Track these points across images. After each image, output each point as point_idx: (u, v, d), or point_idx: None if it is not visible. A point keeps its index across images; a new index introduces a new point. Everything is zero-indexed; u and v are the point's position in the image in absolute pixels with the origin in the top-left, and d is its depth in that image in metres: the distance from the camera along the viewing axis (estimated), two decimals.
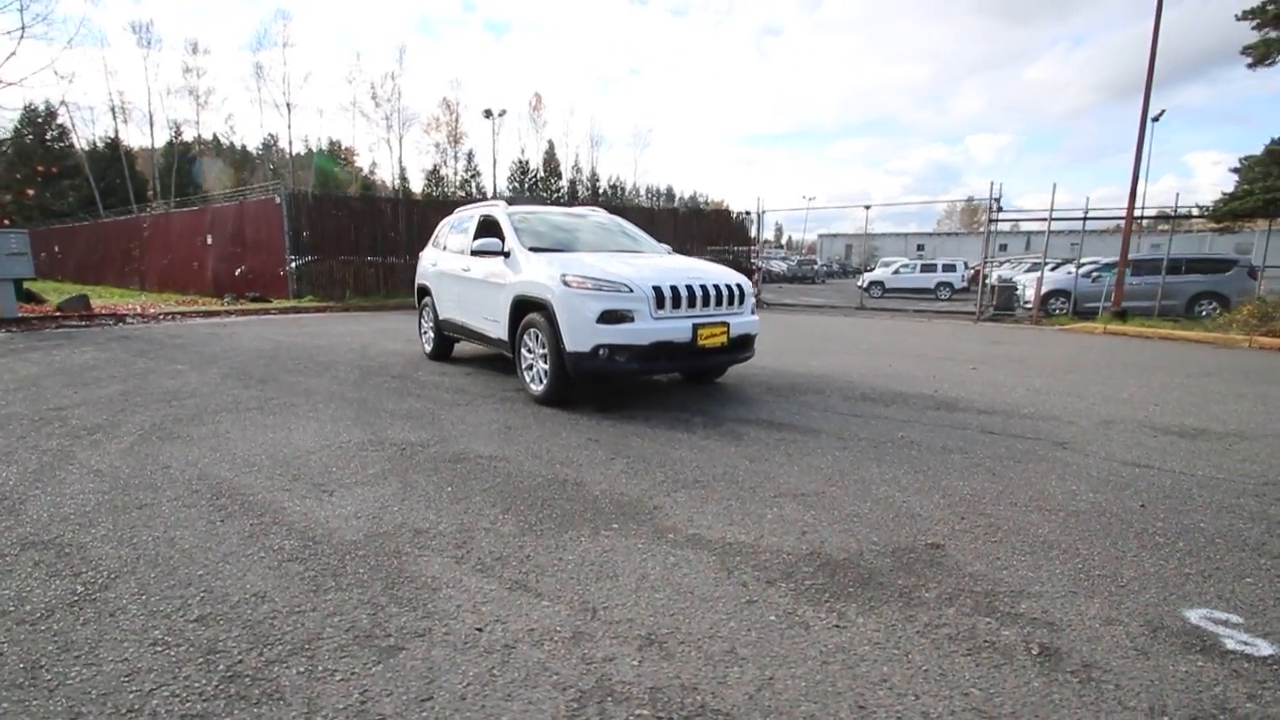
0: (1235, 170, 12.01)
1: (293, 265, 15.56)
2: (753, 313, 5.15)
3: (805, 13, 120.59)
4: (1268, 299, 10.91)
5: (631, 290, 4.46)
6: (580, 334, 4.48)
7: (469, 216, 6.59)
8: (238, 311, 13.41)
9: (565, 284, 4.58)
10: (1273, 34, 10.72)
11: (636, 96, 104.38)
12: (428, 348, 7.27)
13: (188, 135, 50.33)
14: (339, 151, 58.40)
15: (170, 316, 12.14)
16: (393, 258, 16.75)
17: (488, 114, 32.95)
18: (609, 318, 4.43)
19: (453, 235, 6.82)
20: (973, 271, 30.39)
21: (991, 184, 15.40)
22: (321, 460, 3.56)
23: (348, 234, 16.23)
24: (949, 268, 26.55)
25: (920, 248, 36.21)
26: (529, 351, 5.06)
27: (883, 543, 2.58)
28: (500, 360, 7.11)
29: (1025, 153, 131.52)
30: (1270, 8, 10.59)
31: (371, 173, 59.17)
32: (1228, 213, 11.82)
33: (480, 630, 1.94)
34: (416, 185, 58.63)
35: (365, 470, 3.40)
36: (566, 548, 2.51)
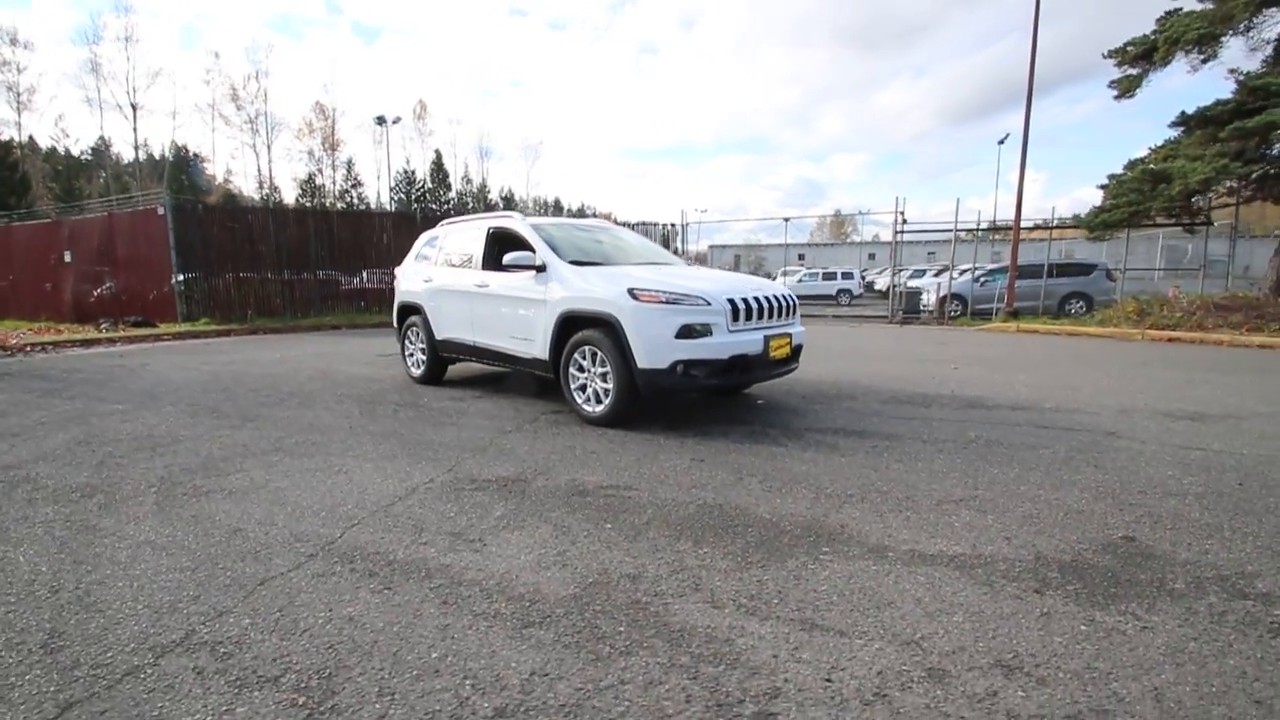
0: (1102, 187, 13.95)
1: (180, 284, 13.71)
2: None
3: (681, 34, 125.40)
4: (1140, 298, 12.74)
5: (710, 304, 4.33)
6: (657, 350, 4.28)
7: (472, 229, 6.12)
8: (123, 339, 11.57)
9: (634, 298, 4.36)
10: (1133, 71, 12.65)
11: (523, 108, 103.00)
12: (416, 370, 6.65)
13: (5, 137, 42.91)
14: (187, 157, 52.14)
15: (40, 348, 10.22)
16: (305, 274, 15.23)
17: (380, 120, 30.97)
18: (687, 332, 4.27)
19: (450, 250, 6.30)
20: (867, 280, 33.03)
21: (897, 198, 16.80)
22: (425, 506, 3.11)
23: (246, 249, 14.56)
24: (847, 275, 28.53)
25: (801, 257, 38.75)
26: (579, 371, 4.76)
27: (1083, 540, 2.65)
28: (503, 380, 6.66)
29: (879, 171, 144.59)
30: (1130, 49, 12.49)
31: (227, 180, 53.42)
32: (1099, 223, 13.67)
33: (829, 680, 1.76)
34: (289, 195, 53.97)
35: (490, 513, 3.01)
36: (805, 577, 2.35)
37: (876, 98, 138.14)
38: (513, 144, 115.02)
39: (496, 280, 5.52)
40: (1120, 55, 12.65)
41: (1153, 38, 11.97)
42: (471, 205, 62.01)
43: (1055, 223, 15.29)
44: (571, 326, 4.79)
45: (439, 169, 65.32)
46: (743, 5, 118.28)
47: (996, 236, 20.86)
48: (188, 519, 2.98)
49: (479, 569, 2.44)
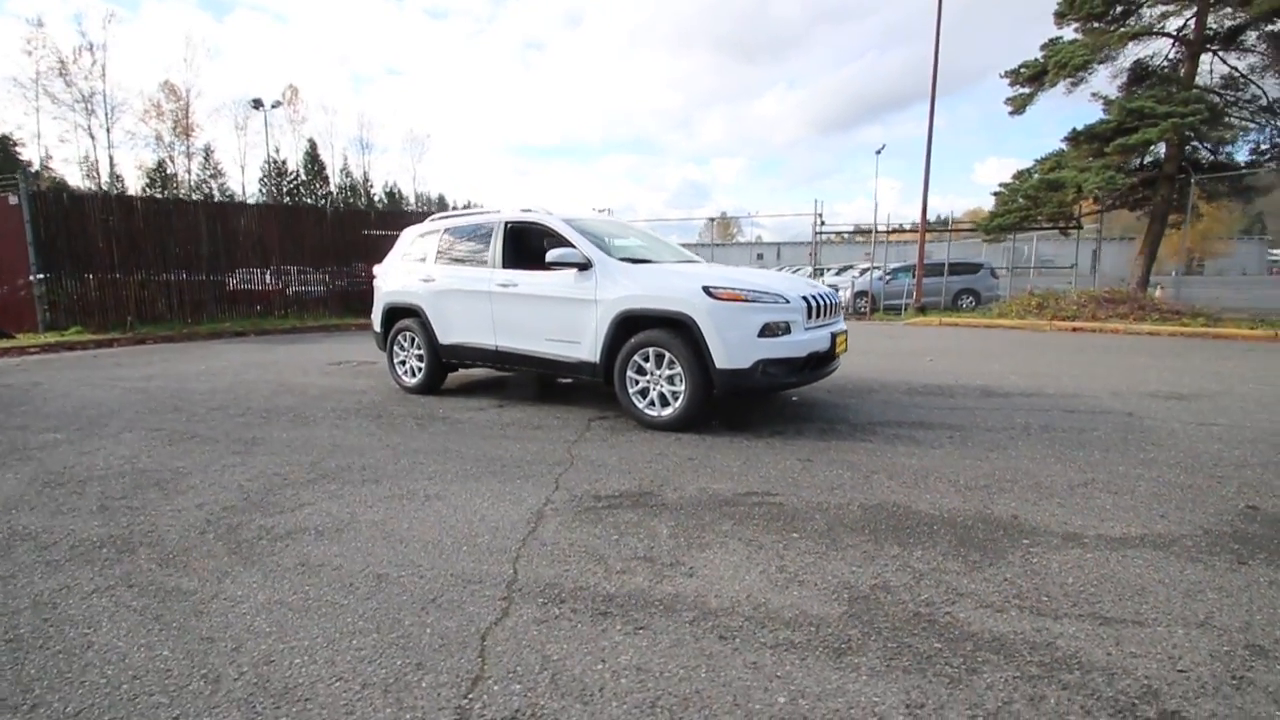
0: (996, 193, 15.55)
1: (40, 286, 11.57)
2: None
3: (566, 31, 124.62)
4: (1036, 292, 14.34)
5: (789, 301, 4.27)
6: (739, 350, 4.15)
7: (482, 224, 5.63)
8: None
9: (712, 296, 4.21)
10: (1025, 90, 14.21)
11: (406, 100, 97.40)
12: (409, 379, 6.02)
13: None
14: None
15: None
16: (199, 275, 13.36)
17: (257, 104, 27.77)
18: (769, 331, 4.18)
19: (455, 247, 5.76)
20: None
21: (816, 201, 17.77)
22: (572, 530, 2.79)
23: (124, 245, 12.55)
24: None
25: (760, 256, 40.14)
26: (638, 374, 4.52)
27: (1221, 512, 2.87)
28: (505, 387, 6.21)
29: (758, 175, 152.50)
30: (1023, 71, 14.02)
31: (46, 166, 45.58)
32: (995, 226, 15.23)
33: (1182, 671, 1.75)
34: (133, 184, 47.28)
35: (657, 533, 2.75)
36: (1040, 571, 2.34)
37: (754, 105, 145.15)
38: (397, 136, 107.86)
39: (527, 279, 5.12)
40: (1014, 76, 14.19)
41: (1043, 62, 13.54)
42: (353, 199, 57.63)
43: (952, 226, 16.84)
44: (629, 327, 4.55)
45: (314, 160, 60.21)
46: (627, 7, 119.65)
47: (893, 238, 22.63)
48: (294, 568, 2.47)
49: (716, 594, 2.22)
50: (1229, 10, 12.20)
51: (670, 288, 4.40)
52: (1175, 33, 13.42)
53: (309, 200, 53.47)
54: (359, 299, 15.28)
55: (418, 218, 16.65)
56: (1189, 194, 13.22)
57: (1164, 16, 12.89)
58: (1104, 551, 2.52)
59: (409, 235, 6.27)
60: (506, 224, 5.42)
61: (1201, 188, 13.38)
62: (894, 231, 20.22)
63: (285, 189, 54.41)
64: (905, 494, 3.17)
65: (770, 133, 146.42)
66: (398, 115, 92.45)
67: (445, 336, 5.66)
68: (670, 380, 4.40)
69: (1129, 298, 12.24)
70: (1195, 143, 12.82)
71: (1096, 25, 14.04)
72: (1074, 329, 11.39)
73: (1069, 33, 14.29)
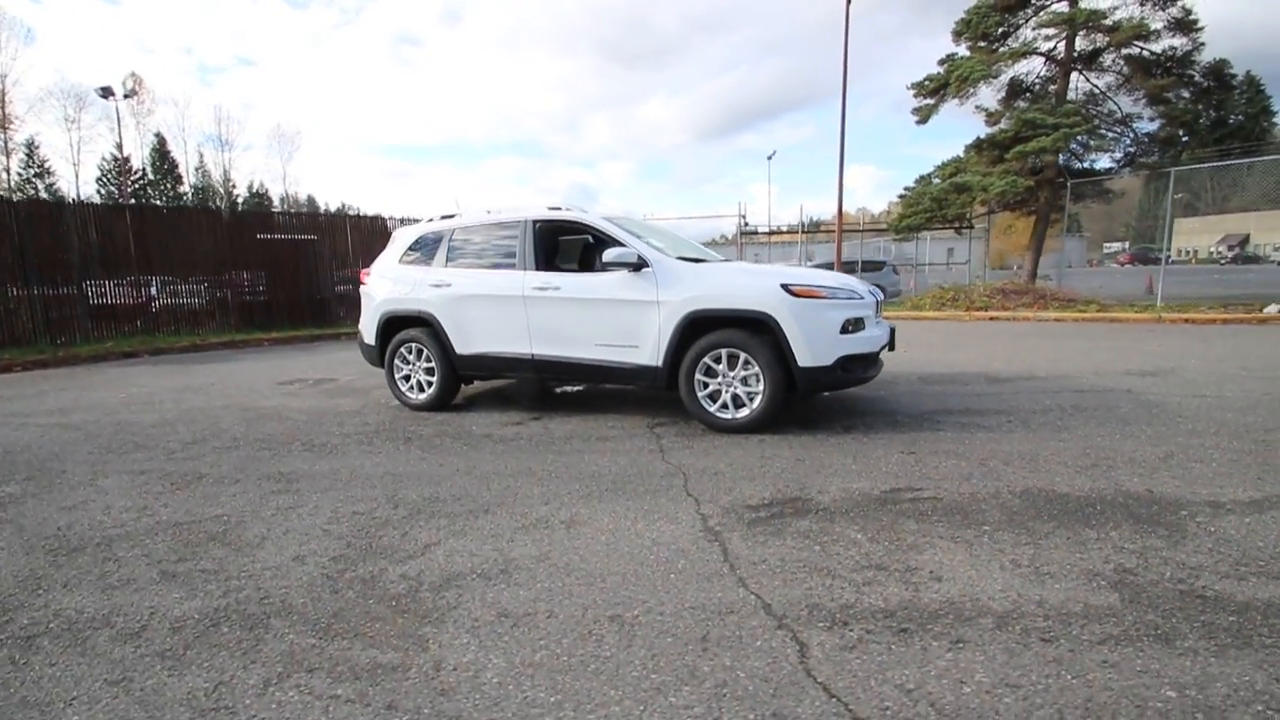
0: (901, 196, 16.85)
1: None
2: None
3: (444, 27, 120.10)
4: (946, 287, 15.66)
5: (862, 298, 4.29)
6: (823, 347, 4.12)
7: (502, 223, 5.18)
8: None
9: (792, 294, 4.14)
10: (929, 101, 15.49)
11: (268, 94, 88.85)
12: (415, 396, 5.44)
13: None
14: None
15: None
16: (67, 288, 11.31)
17: (105, 93, 23.86)
18: (848, 327, 4.19)
19: (472, 249, 5.27)
20: None
21: (740, 203, 18.34)
22: (765, 546, 2.61)
23: None
24: None
25: None
26: (708, 376, 4.36)
27: None
28: (518, 397, 5.79)
29: (644, 179, 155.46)
30: (928, 84, 15.28)
31: None
32: (904, 226, 16.50)
33: None
34: None
35: (854, 543, 2.64)
36: (1242, 541, 2.49)
37: (638, 110, 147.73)
38: (262, 133, 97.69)
39: (572, 281, 4.79)
40: (919, 89, 15.45)
41: (945, 76, 14.85)
42: (213, 200, 51.72)
43: (863, 226, 18.08)
44: (696, 329, 4.38)
45: (163, 157, 53.64)
46: (507, 6, 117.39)
47: (806, 237, 23.93)
48: (498, 621, 2.10)
49: (986, 596, 2.14)
50: (1093, 35, 14.00)
51: (746, 286, 4.29)
52: (1047, 53, 15.21)
53: (158, 201, 47.31)
54: (263, 312, 13.74)
55: (339, 219, 15.29)
56: (1065, 197, 15.07)
57: (1042, 39, 14.56)
58: (1257, 514, 2.74)
59: (406, 236, 5.67)
60: (535, 223, 5.04)
61: (1073, 191, 15.28)
62: (809, 231, 21.35)
63: (130, 189, 47.81)
64: (1035, 478, 3.28)
65: (655, 137, 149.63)
66: (260, 111, 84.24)
67: (465, 347, 5.17)
68: (745, 381, 4.29)
69: (1027, 289, 13.73)
70: (1067, 151, 14.60)
71: (983, 44, 15.61)
72: (991, 318, 12.58)
73: (962, 49, 15.79)
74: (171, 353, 11.23)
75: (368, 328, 5.68)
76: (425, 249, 5.49)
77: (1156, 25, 13.12)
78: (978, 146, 14.63)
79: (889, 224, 17.54)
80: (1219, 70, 13.59)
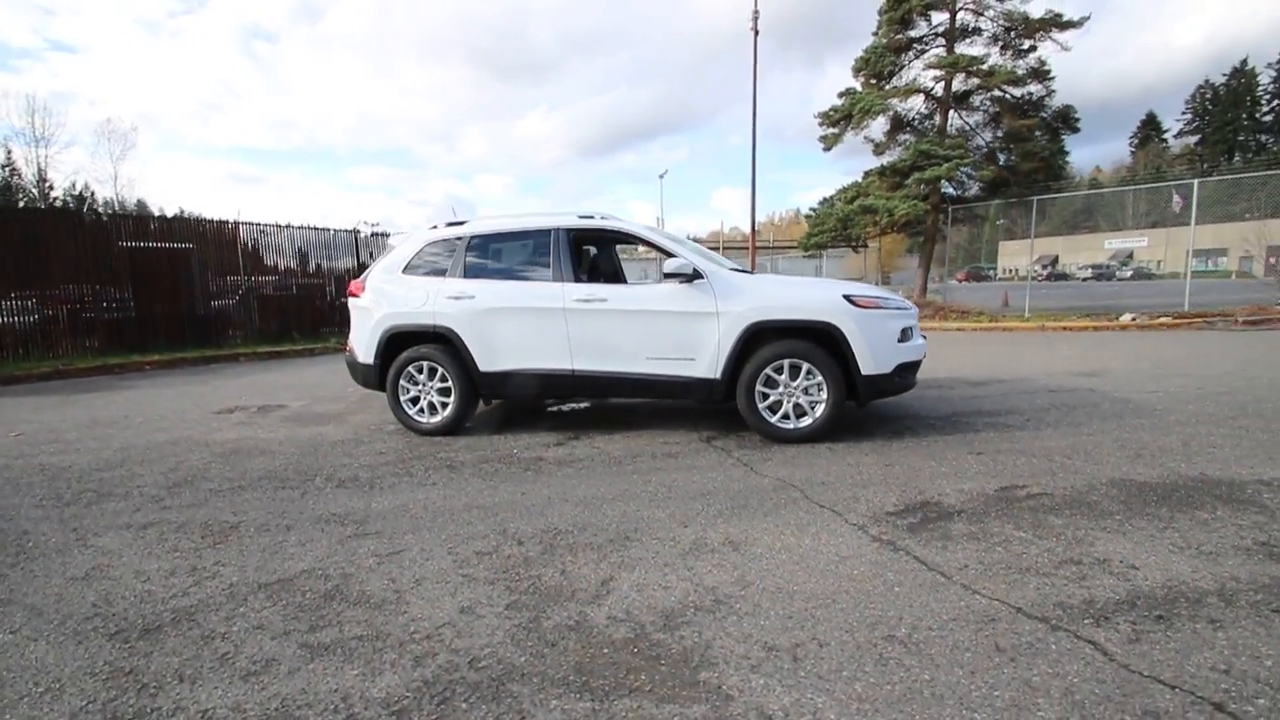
0: (808, 216, 18.01)
1: None
2: None
3: (302, 23, 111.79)
4: None
5: (909, 309, 4.49)
6: (884, 356, 4.26)
7: (530, 230, 4.85)
8: None
9: (855, 305, 4.24)
10: (834, 130, 16.72)
11: (92, 86, 77.10)
12: (426, 419, 4.93)
13: None
14: None
15: None
16: None
17: None
18: (903, 336, 4.37)
19: (496, 257, 4.87)
20: None
21: (658, 218, 18.63)
22: (959, 554, 2.64)
23: None
24: None
25: None
26: (769, 387, 4.35)
27: None
28: (527, 420, 5.43)
29: (523, 193, 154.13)
30: (833, 114, 16.51)
31: None
32: (813, 244, 17.65)
33: None
34: None
35: (1050, 549, 2.74)
36: None
37: (517, 125, 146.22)
38: (87, 129, 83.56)
39: (620, 293, 4.57)
40: (824, 118, 16.67)
41: (848, 107, 16.14)
42: (23, 201, 43.79)
43: (773, 243, 19.08)
44: (756, 340, 4.36)
45: None
46: (373, 8, 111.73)
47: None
48: (796, 657, 1.94)
49: (1205, 578, 2.30)
50: (968, 78, 15.91)
51: (810, 297, 4.35)
52: (928, 91, 17.05)
53: None
54: (134, 331, 11.80)
55: (227, 227, 13.42)
56: (948, 220, 16.92)
57: (930, 79, 16.30)
58: None
59: (410, 245, 5.13)
60: (569, 231, 4.78)
61: (952, 215, 17.20)
62: (713, 247, 22.11)
63: None
64: (1107, 470, 3.59)
65: (534, 152, 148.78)
66: (85, 104, 72.60)
67: (491, 363, 4.76)
68: (806, 391, 4.34)
69: (926, 302, 15.20)
70: (953, 180, 16.42)
71: (874, 81, 17.19)
72: None
73: (858, 84, 17.28)
74: (28, 381, 9.32)
75: (364, 345, 5.06)
76: (436, 258, 5.00)
77: (1020, 72, 15.19)
78: (881, 173, 16.06)
79: (799, 241, 18.69)
80: (1066, 114, 15.98)
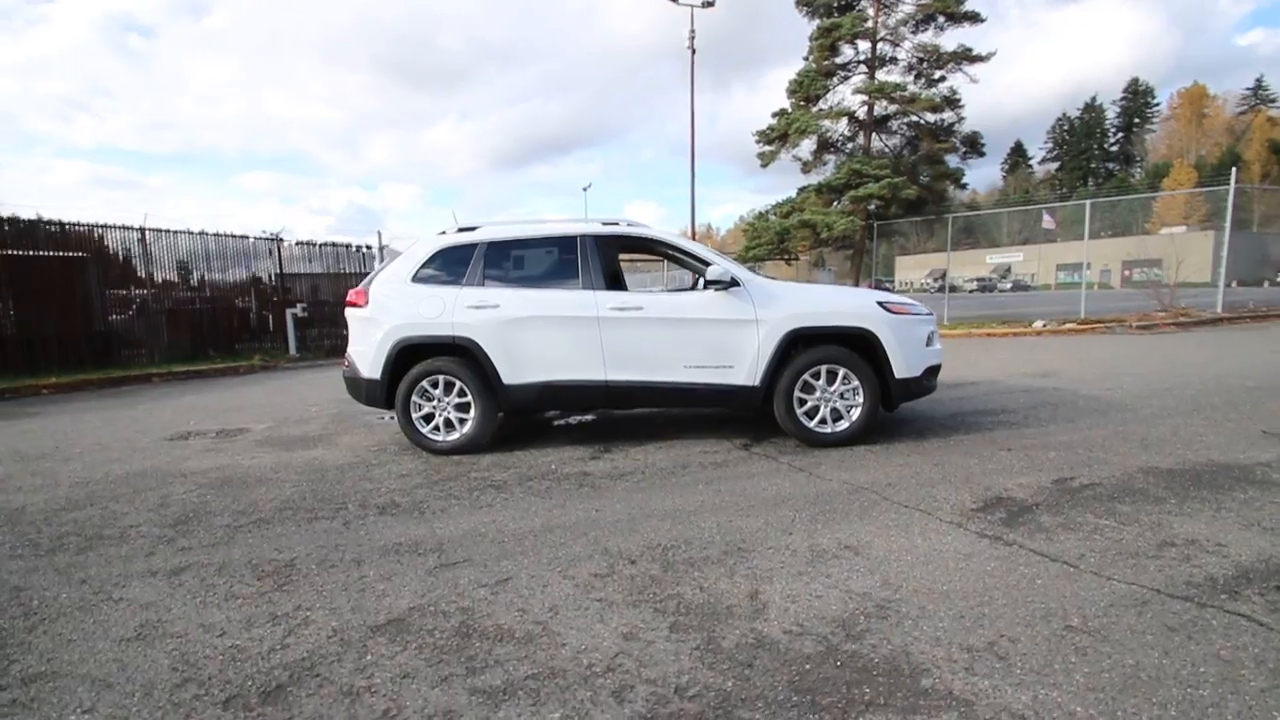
0: (745, 230, 18.60)
1: None
2: None
3: (185, 18, 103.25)
4: None
5: (931, 314, 4.67)
6: (915, 360, 4.42)
7: (552, 237, 4.66)
8: None
9: (890, 311, 4.38)
10: (769, 148, 17.39)
11: None
12: (442, 438, 4.61)
13: None
14: None
15: None
16: None
17: None
18: (929, 340, 4.55)
19: (519, 265, 4.64)
20: None
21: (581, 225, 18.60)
22: (1069, 544, 2.75)
23: None
24: None
25: None
26: (805, 393, 4.40)
27: (1258, 432, 4.31)
28: (541, 434, 5.20)
29: (432, 204, 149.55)
30: (770, 132, 17.17)
31: None
32: (752, 256, 18.21)
33: None
34: None
35: (1165, 542, 2.90)
36: None
37: (426, 133, 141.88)
38: None
39: (657, 301, 4.49)
40: (762, 136, 17.35)
41: (784, 127, 16.88)
42: None
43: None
44: (795, 346, 4.40)
45: None
46: (267, 5, 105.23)
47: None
48: (1008, 661, 1.94)
49: None
50: (890, 103, 17.10)
51: (847, 304, 4.45)
52: (852, 114, 18.16)
53: None
54: (18, 351, 10.28)
55: (120, 234, 11.93)
56: (874, 235, 18.01)
57: (857, 103, 17.34)
58: None
59: (419, 252, 4.78)
60: (597, 238, 4.63)
61: (879, 231, 18.34)
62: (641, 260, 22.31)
63: None
64: (1132, 459, 3.88)
65: (445, 162, 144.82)
66: None
67: (517, 376, 4.51)
68: (842, 396, 4.43)
69: None
70: (882, 198, 17.54)
71: (804, 104, 18.10)
72: None
73: (788, 105, 18.12)
74: None
75: (368, 359, 4.66)
76: (450, 265, 4.69)
77: (939, 99, 16.51)
78: (819, 189, 16.89)
79: (738, 254, 19.23)
80: (973, 139, 17.51)
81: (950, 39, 17.39)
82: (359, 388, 4.79)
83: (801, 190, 17.39)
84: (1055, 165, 79.12)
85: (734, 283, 4.42)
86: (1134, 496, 3.26)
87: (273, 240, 14.56)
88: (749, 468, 4.06)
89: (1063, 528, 2.90)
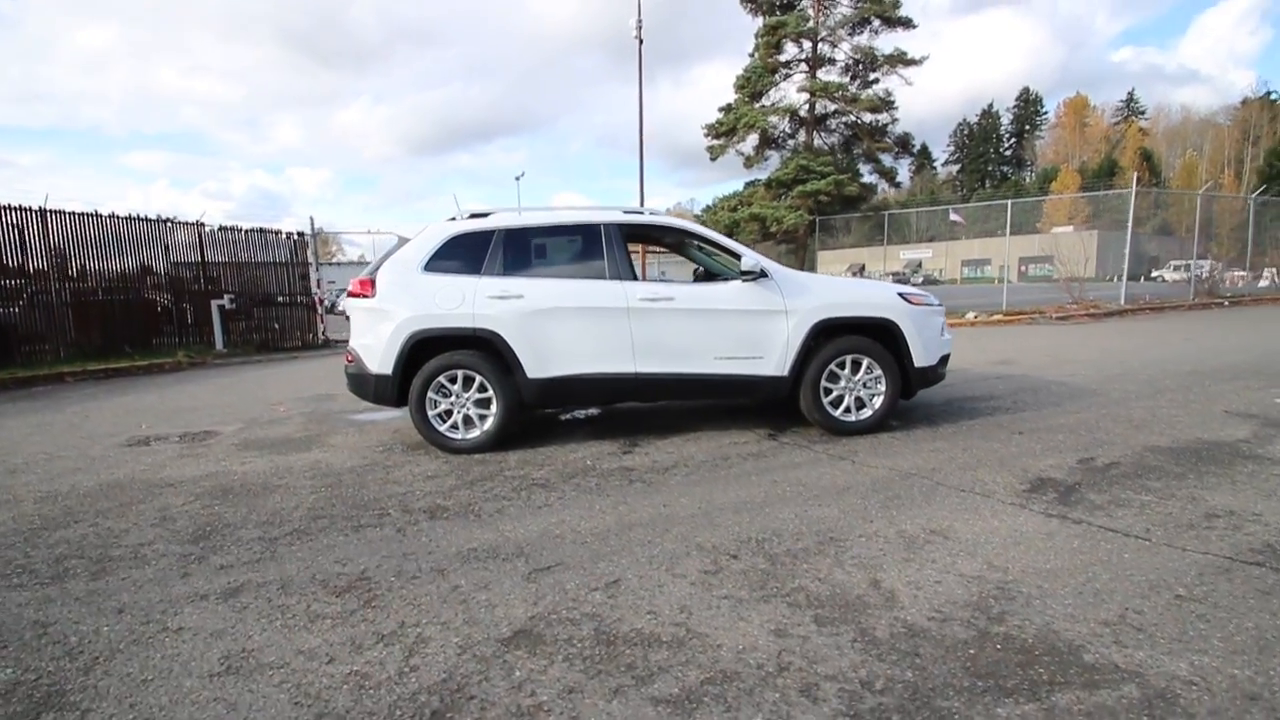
0: (698, 220, 18.77)
1: None
2: None
3: None
4: None
5: (941, 306, 4.86)
6: (933, 348, 4.59)
7: (573, 225, 4.49)
8: None
9: (909, 303, 4.52)
10: (718, 142, 17.57)
11: None
12: (463, 435, 4.38)
13: None
14: None
15: None
16: None
17: None
18: (941, 330, 4.73)
19: (540, 254, 4.45)
20: None
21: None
22: (1127, 520, 2.93)
23: None
24: None
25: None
26: (832, 382, 4.48)
27: (1220, 412, 4.78)
28: (555, 427, 5.03)
29: (346, 190, 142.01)
30: (719, 127, 17.34)
31: None
32: None
33: None
34: None
35: (1168, 505, 3.12)
36: None
37: (339, 115, 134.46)
38: None
39: (687, 292, 4.42)
40: (711, 131, 17.52)
41: (733, 122, 17.11)
42: None
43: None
44: (823, 336, 4.47)
45: None
46: None
47: None
48: (1148, 633, 2.04)
49: None
50: (831, 102, 17.70)
51: (872, 294, 4.56)
52: (794, 111, 18.67)
53: None
54: None
55: (17, 216, 10.45)
56: (815, 230, 18.64)
57: (801, 102, 17.82)
58: None
59: (430, 239, 4.46)
60: (621, 227, 4.51)
61: (820, 226, 19.00)
62: None
63: None
64: (1134, 439, 4.20)
65: (360, 145, 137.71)
66: None
67: (542, 369, 4.33)
68: (865, 385, 4.54)
69: None
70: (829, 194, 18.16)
71: (749, 101, 18.43)
72: None
73: (733, 101, 18.39)
74: None
75: (377, 353, 4.33)
76: (465, 254, 4.43)
77: (876, 100, 17.25)
78: (768, 184, 17.27)
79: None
80: (905, 139, 18.44)
81: (885, 42, 18.29)
82: (366, 384, 4.45)
83: (749, 184, 17.82)
84: (957, 167, 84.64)
85: (763, 274, 4.44)
86: (1156, 474, 3.53)
87: (195, 226, 13.31)
88: (789, 457, 4.09)
89: (1114, 504, 3.10)
